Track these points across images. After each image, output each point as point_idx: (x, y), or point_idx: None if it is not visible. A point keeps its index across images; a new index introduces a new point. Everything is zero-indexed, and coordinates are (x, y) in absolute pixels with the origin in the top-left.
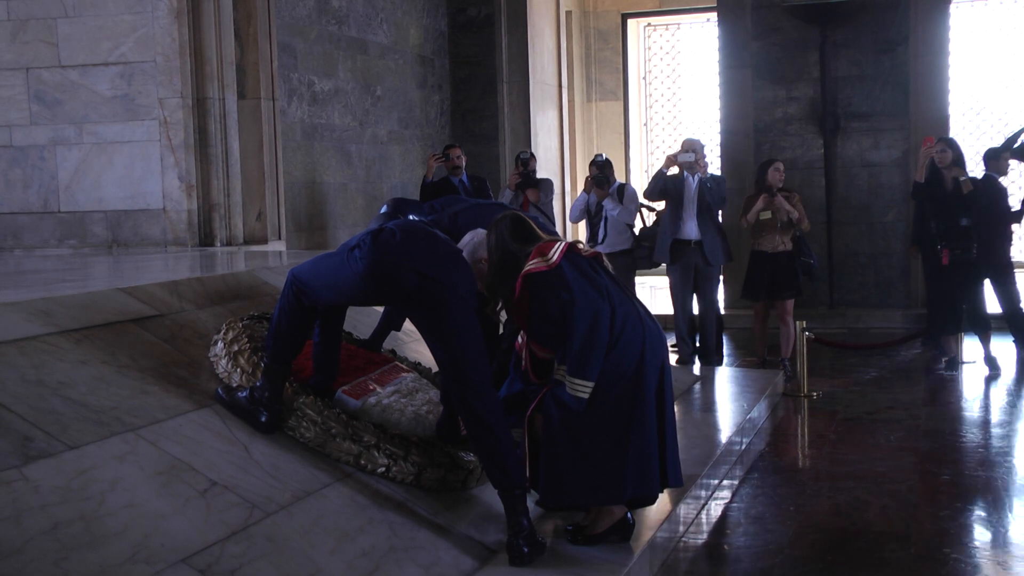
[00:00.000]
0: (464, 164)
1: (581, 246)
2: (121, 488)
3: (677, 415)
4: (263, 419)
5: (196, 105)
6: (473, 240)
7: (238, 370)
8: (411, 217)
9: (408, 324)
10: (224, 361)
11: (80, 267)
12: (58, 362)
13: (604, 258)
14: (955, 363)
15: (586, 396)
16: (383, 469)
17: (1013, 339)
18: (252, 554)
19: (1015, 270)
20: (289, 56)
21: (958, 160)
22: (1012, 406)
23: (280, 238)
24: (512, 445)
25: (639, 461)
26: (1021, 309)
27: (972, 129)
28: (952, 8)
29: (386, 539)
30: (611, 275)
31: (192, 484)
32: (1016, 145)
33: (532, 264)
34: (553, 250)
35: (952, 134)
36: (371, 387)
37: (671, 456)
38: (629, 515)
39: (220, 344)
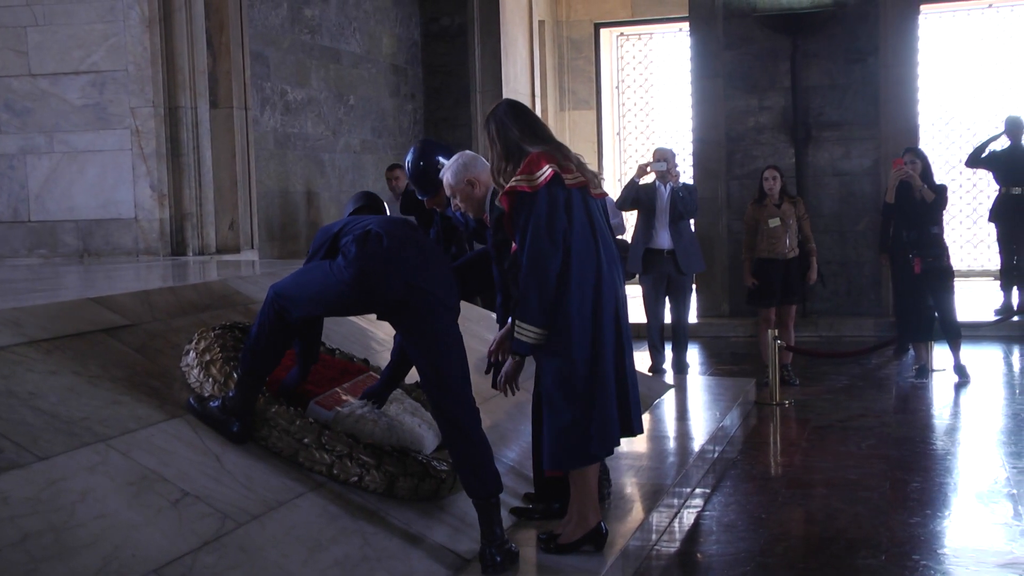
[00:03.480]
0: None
1: (569, 176)
2: (92, 499)
3: (650, 423)
4: (234, 429)
5: (168, 114)
6: (459, 160)
7: (210, 380)
8: (439, 158)
9: (383, 333)
10: (196, 371)
11: (51, 277)
12: (28, 372)
13: (591, 186)
14: (925, 371)
15: (529, 341)
16: (356, 479)
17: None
18: (224, 564)
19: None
20: (262, 65)
21: (925, 170)
22: (981, 414)
23: (252, 247)
24: (489, 454)
25: (602, 415)
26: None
27: (941, 139)
28: (921, 19)
29: (359, 549)
30: (588, 210)
31: (164, 494)
32: (984, 155)
33: (516, 181)
34: (540, 172)
35: (921, 144)
36: (344, 397)
37: (634, 403)
38: (602, 524)
39: (192, 354)
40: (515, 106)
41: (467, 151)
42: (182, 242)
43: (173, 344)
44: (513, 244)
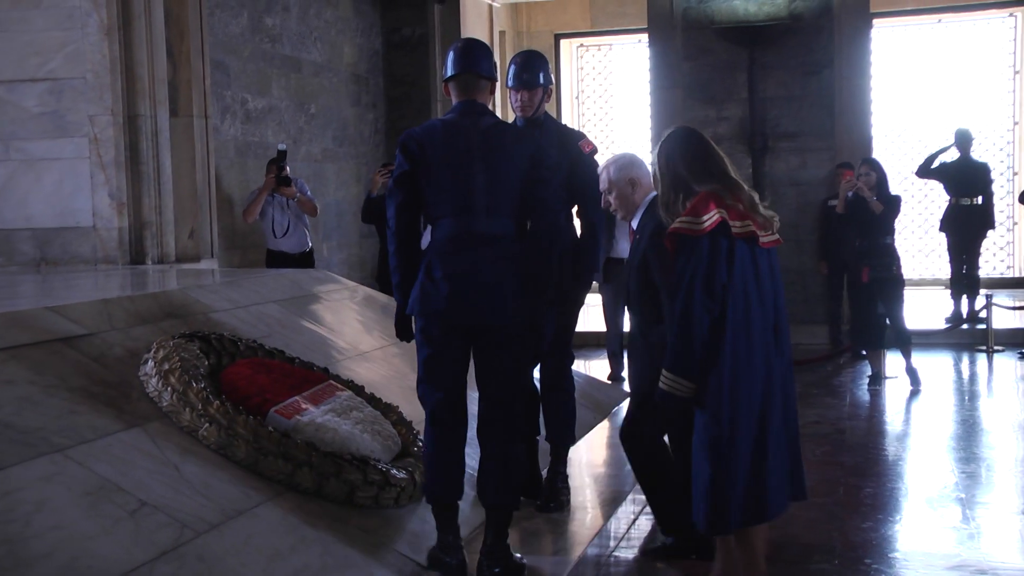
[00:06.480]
0: None
1: (742, 224)
2: (48, 510)
3: (608, 431)
4: (447, 561)
5: (127, 122)
6: (624, 158)
7: (168, 389)
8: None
9: (343, 342)
10: (155, 380)
11: (7, 285)
12: None
13: (761, 231)
14: (879, 378)
15: (677, 394)
16: (316, 487)
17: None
18: (182, 574)
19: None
20: (222, 74)
21: (880, 180)
22: (932, 420)
23: (212, 256)
24: (523, 463)
25: (747, 485)
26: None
27: (894, 150)
28: (873, 32)
29: (319, 557)
30: (756, 263)
31: (121, 505)
32: (934, 166)
33: (680, 222)
34: (707, 216)
35: (875, 154)
36: (303, 406)
37: (772, 477)
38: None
39: (151, 363)
40: (687, 137)
41: (630, 152)
42: (141, 251)
43: (132, 353)
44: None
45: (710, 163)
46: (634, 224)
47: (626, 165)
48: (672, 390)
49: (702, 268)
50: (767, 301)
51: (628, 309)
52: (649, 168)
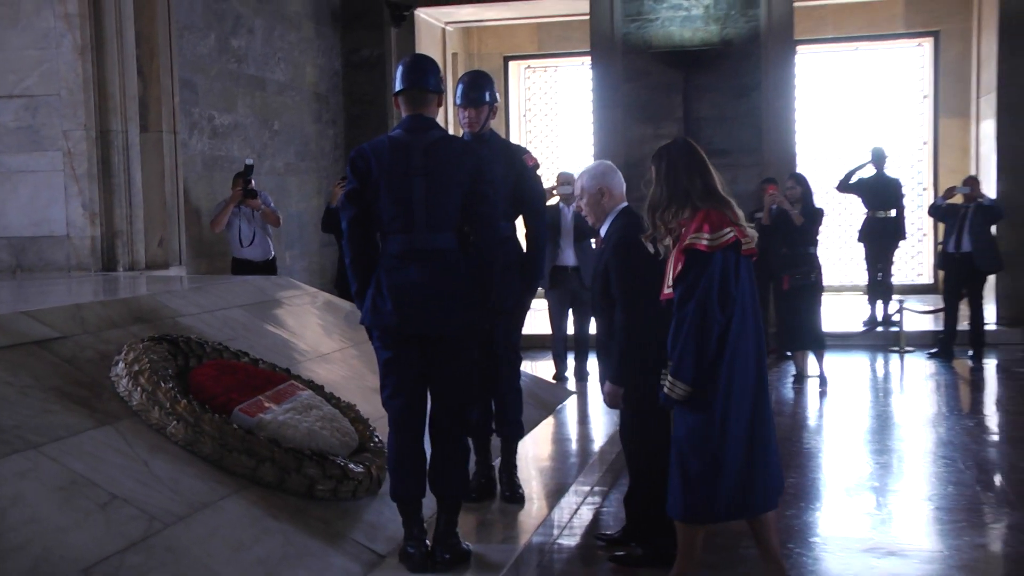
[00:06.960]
0: None
1: (746, 240)
2: (22, 504)
3: (553, 427)
4: (410, 551)
5: (99, 137)
6: (599, 167)
7: (138, 389)
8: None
9: (302, 343)
10: (125, 381)
11: None
12: None
13: (756, 253)
14: (802, 377)
15: (677, 398)
16: (278, 481)
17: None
18: (151, 564)
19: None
20: (190, 91)
21: (805, 194)
22: (849, 415)
23: (180, 263)
24: (468, 458)
25: (733, 481)
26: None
27: (816, 166)
28: (797, 57)
29: (280, 547)
30: (751, 279)
31: (93, 498)
32: (852, 181)
33: (695, 238)
34: (723, 233)
35: (799, 170)
36: (266, 405)
37: (759, 474)
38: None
39: (121, 364)
40: (691, 152)
41: (607, 161)
42: (113, 258)
43: (103, 355)
44: (665, 289)
45: (710, 181)
46: (602, 232)
47: (599, 175)
48: (674, 395)
49: (716, 282)
50: (757, 307)
51: (592, 313)
52: (622, 179)
